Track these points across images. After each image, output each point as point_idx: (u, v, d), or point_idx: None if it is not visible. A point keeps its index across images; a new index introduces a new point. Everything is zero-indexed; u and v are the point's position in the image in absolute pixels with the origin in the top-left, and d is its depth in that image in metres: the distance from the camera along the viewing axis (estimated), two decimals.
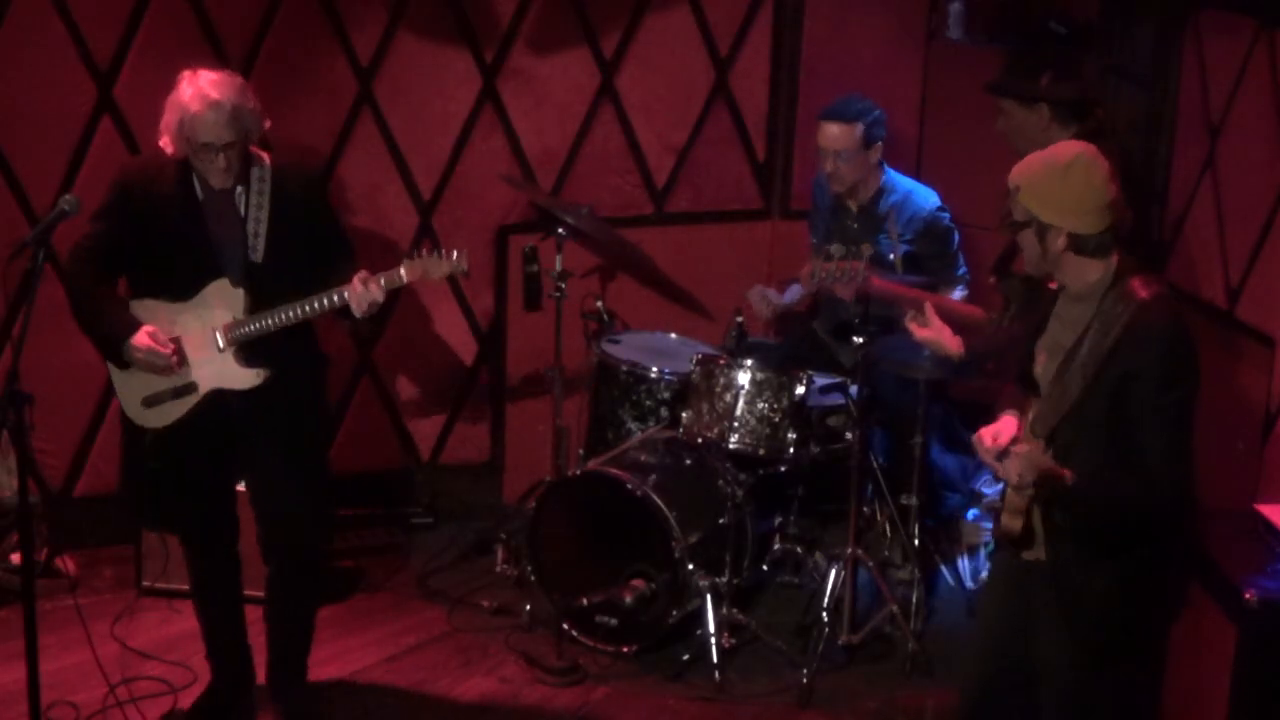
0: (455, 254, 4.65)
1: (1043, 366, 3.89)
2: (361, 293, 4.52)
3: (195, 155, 4.50)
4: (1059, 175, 3.75)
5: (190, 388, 4.64)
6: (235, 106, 4.44)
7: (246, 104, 4.48)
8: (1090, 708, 3.91)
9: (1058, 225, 3.73)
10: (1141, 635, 3.92)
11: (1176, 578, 3.93)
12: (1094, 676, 3.87)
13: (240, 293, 4.58)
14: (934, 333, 4.93)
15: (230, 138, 4.45)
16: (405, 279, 4.61)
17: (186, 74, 4.52)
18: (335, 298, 4.56)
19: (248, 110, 4.48)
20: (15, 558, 5.54)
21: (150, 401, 4.66)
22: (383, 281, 4.56)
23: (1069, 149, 3.83)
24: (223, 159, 4.47)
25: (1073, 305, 3.85)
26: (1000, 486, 6.12)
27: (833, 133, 5.77)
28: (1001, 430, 3.85)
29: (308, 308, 4.58)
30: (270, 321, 4.59)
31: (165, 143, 4.51)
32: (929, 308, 4.97)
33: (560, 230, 5.83)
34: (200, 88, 4.45)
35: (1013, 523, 3.80)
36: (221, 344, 4.61)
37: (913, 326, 4.96)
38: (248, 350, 4.63)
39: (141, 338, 4.54)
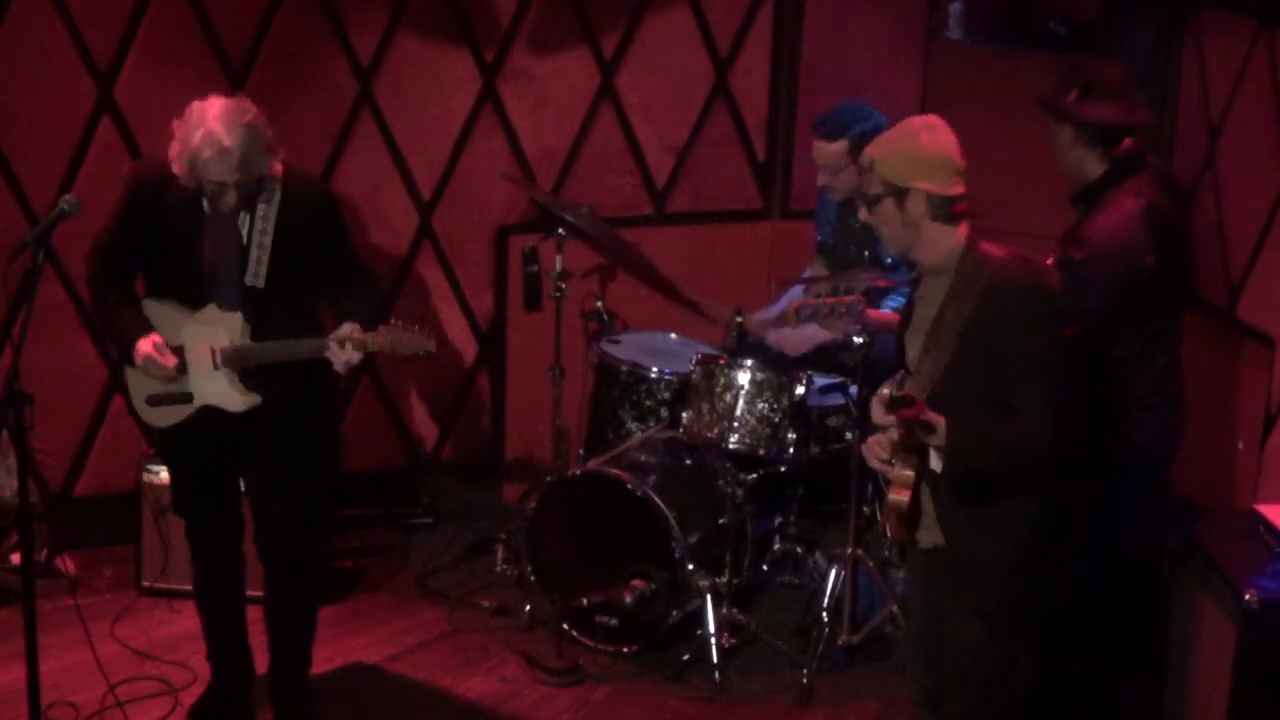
0: (426, 335, 4.57)
1: (913, 349, 3.92)
2: (338, 353, 4.47)
3: (205, 186, 4.45)
4: (910, 136, 3.86)
5: (187, 397, 4.63)
6: (245, 153, 4.35)
7: (257, 143, 4.38)
8: (992, 682, 3.91)
9: (915, 187, 3.79)
10: (1036, 605, 3.90)
11: (1064, 546, 3.89)
12: (995, 649, 3.87)
13: (237, 316, 4.55)
14: None
15: (240, 177, 4.39)
16: (372, 347, 4.51)
17: (196, 105, 4.40)
18: (318, 347, 4.49)
19: (259, 149, 4.39)
20: (15, 558, 5.53)
21: (153, 401, 4.67)
22: (355, 345, 4.48)
23: (921, 118, 3.94)
24: (233, 194, 4.43)
25: (932, 282, 3.90)
26: None
27: (819, 149, 5.75)
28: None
29: (294, 348, 4.54)
30: (263, 353, 4.55)
31: (176, 169, 4.41)
32: None
33: (560, 230, 5.83)
34: (210, 130, 4.32)
35: (900, 496, 3.76)
36: (217, 364, 4.59)
37: None
38: (245, 374, 4.60)
39: (145, 345, 4.53)
